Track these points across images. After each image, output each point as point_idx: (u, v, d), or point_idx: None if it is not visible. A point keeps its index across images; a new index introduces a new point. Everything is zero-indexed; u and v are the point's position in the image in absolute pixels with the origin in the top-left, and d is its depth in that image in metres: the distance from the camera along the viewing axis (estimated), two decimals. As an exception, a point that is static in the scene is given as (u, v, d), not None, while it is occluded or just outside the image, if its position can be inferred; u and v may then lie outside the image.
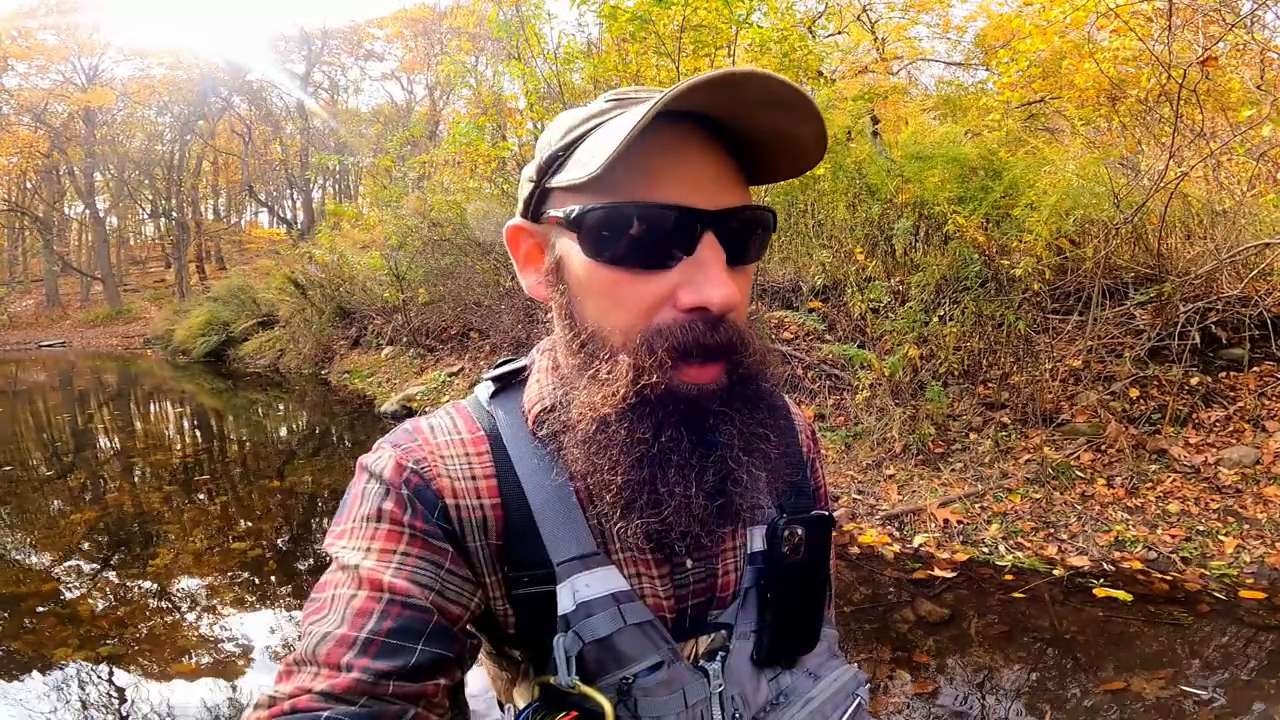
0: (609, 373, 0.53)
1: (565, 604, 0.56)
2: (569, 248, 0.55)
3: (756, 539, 0.65)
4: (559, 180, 0.55)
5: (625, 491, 0.53)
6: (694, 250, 0.51)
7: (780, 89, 0.48)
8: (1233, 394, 4.03)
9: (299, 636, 0.52)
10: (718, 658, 0.61)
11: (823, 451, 0.85)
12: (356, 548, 0.55)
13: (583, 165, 0.52)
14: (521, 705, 0.61)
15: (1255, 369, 4.09)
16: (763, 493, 0.56)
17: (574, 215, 0.53)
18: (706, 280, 0.51)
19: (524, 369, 0.67)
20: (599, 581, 0.57)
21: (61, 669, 2.76)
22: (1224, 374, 4.15)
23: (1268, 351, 4.07)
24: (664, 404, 0.52)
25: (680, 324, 0.51)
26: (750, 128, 0.52)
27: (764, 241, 0.57)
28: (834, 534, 0.71)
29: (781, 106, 0.49)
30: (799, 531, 0.65)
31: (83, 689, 2.65)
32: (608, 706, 0.55)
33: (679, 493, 0.52)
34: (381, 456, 0.59)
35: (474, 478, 0.59)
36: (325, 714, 0.46)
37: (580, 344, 0.56)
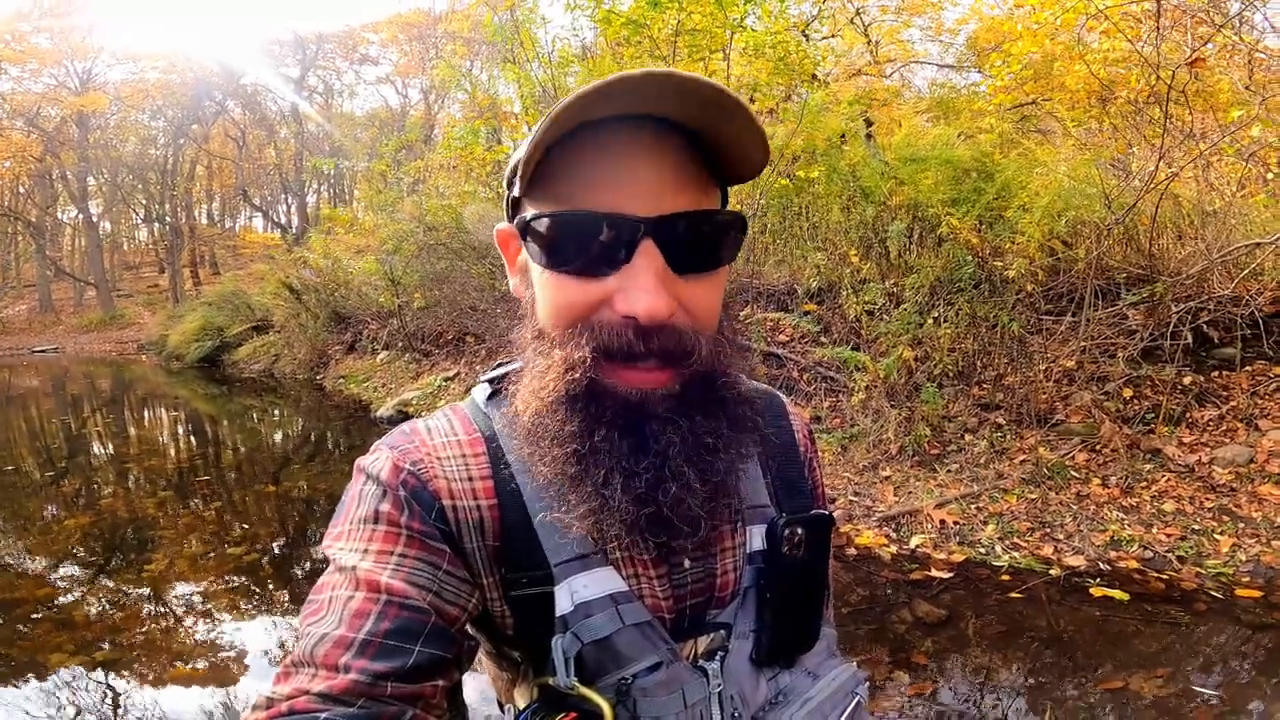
0: (545, 368, 0.54)
1: (563, 605, 0.56)
2: (527, 253, 0.57)
3: (756, 538, 0.65)
4: (515, 189, 0.56)
5: (554, 484, 0.54)
6: (631, 258, 0.51)
7: (691, 87, 0.47)
8: (1225, 393, 4.06)
9: (297, 638, 0.52)
10: (716, 657, 0.61)
11: (819, 453, 0.86)
12: (354, 549, 0.55)
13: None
14: (521, 706, 0.61)
15: (1247, 368, 4.12)
16: (706, 505, 0.54)
17: (523, 224, 0.55)
18: (636, 290, 0.51)
19: (517, 372, 0.67)
20: (597, 582, 0.57)
21: (57, 674, 2.75)
22: (1216, 373, 4.17)
23: (1259, 350, 4.10)
24: (600, 403, 0.53)
25: (613, 327, 0.52)
26: (694, 128, 0.52)
27: (731, 245, 0.56)
28: (831, 535, 0.71)
29: (702, 106, 0.49)
30: (799, 531, 0.65)
31: (78, 694, 2.63)
32: (607, 707, 0.55)
33: (605, 494, 0.52)
34: (379, 458, 0.60)
35: (470, 479, 0.59)
36: (323, 715, 0.46)
37: (534, 342, 0.58)
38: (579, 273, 0.53)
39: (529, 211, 0.55)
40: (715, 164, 0.55)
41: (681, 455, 0.53)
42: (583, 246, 0.52)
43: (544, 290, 0.56)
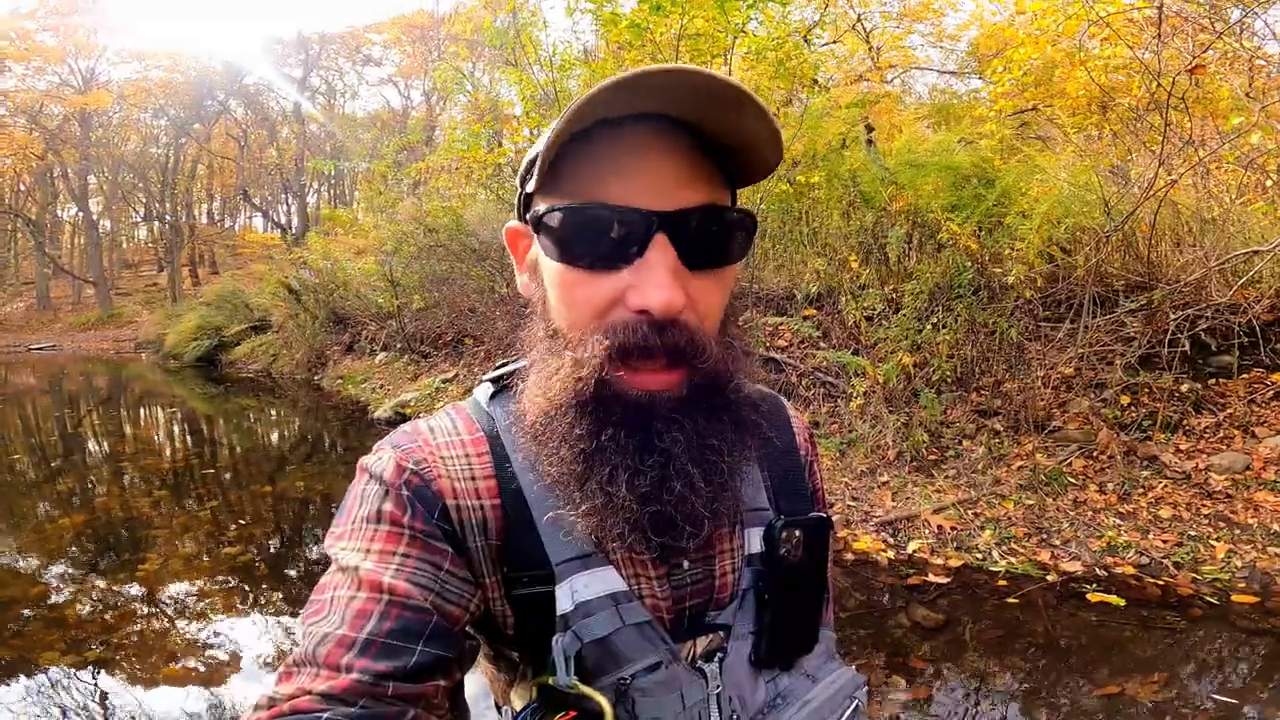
0: (555, 368, 0.54)
1: (564, 604, 0.56)
2: (540, 248, 0.57)
3: (755, 541, 0.65)
4: (530, 185, 0.57)
5: (561, 483, 0.55)
6: (644, 252, 0.52)
7: (714, 86, 0.48)
8: (1222, 400, 4.06)
9: (299, 638, 0.52)
10: (715, 659, 0.61)
11: (819, 457, 0.86)
12: (356, 549, 0.55)
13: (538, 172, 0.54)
14: (519, 707, 0.61)
15: (1244, 376, 4.12)
16: (710, 505, 0.55)
17: (536, 218, 0.55)
18: (650, 283, 0.51)
19: (523, 370, 0.67)
20: (597, 582, 0.57)
21: (47, 673, 2.73)
22: (1213, 381, 4.18)
23: (1256, 358, 4.11)
24: (609, 404, 0.53)
25: (627, 324, 0.52)
26: (710, 128, 0.52)
27: (741, 243, 0.56)
28: (830, 538, 0.71)
29: (723, 104, 0.49)
30: (796, 534, 0.65)
31: (69, 693, 2.62)
32: (606, 707, 0.55)
33: (610, 492, 0.52)
34: (382, 458, 0.60)
35: (474, 478, 0.59)
36: (325, 715, 0.46)
37: (545, 341, 0.58)
38: (591, 266, 0.53)
39: (542, 205, 0.55)
40: (727, 163, 0.56)
41: (686, 455, 0.53)
42: (596, 239, 0.52)
43: (556, 286, 0.56)
